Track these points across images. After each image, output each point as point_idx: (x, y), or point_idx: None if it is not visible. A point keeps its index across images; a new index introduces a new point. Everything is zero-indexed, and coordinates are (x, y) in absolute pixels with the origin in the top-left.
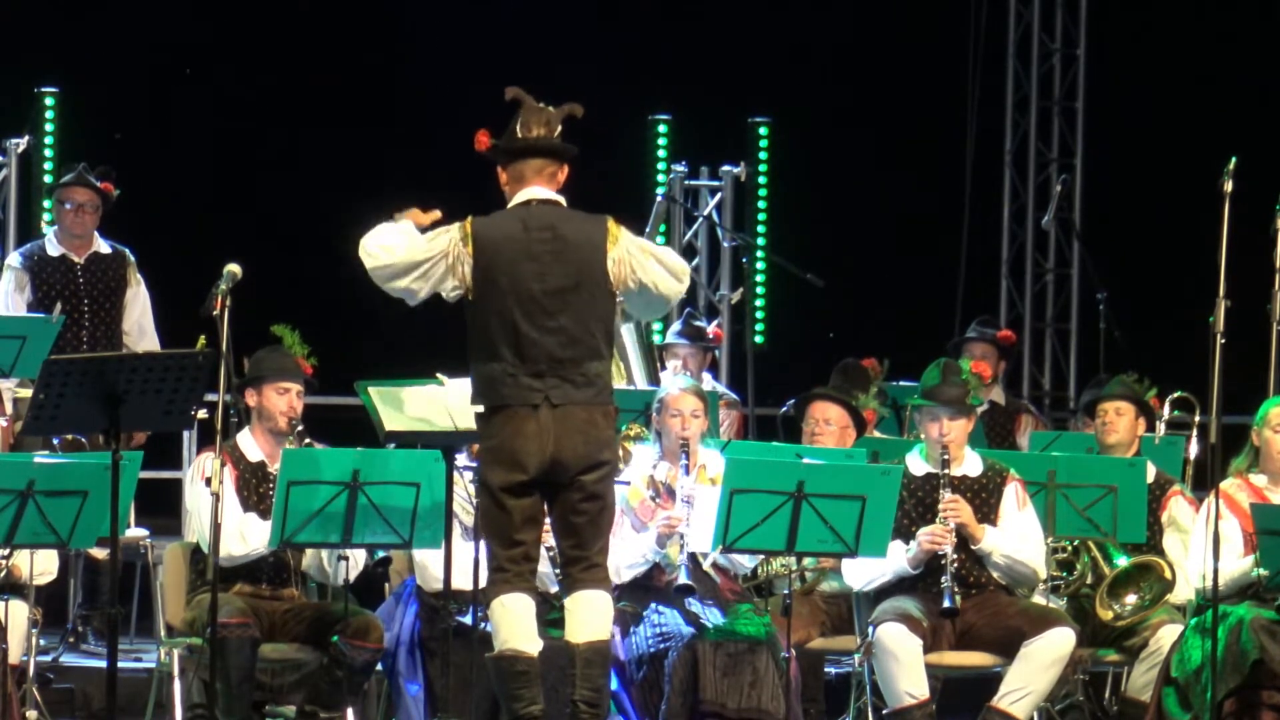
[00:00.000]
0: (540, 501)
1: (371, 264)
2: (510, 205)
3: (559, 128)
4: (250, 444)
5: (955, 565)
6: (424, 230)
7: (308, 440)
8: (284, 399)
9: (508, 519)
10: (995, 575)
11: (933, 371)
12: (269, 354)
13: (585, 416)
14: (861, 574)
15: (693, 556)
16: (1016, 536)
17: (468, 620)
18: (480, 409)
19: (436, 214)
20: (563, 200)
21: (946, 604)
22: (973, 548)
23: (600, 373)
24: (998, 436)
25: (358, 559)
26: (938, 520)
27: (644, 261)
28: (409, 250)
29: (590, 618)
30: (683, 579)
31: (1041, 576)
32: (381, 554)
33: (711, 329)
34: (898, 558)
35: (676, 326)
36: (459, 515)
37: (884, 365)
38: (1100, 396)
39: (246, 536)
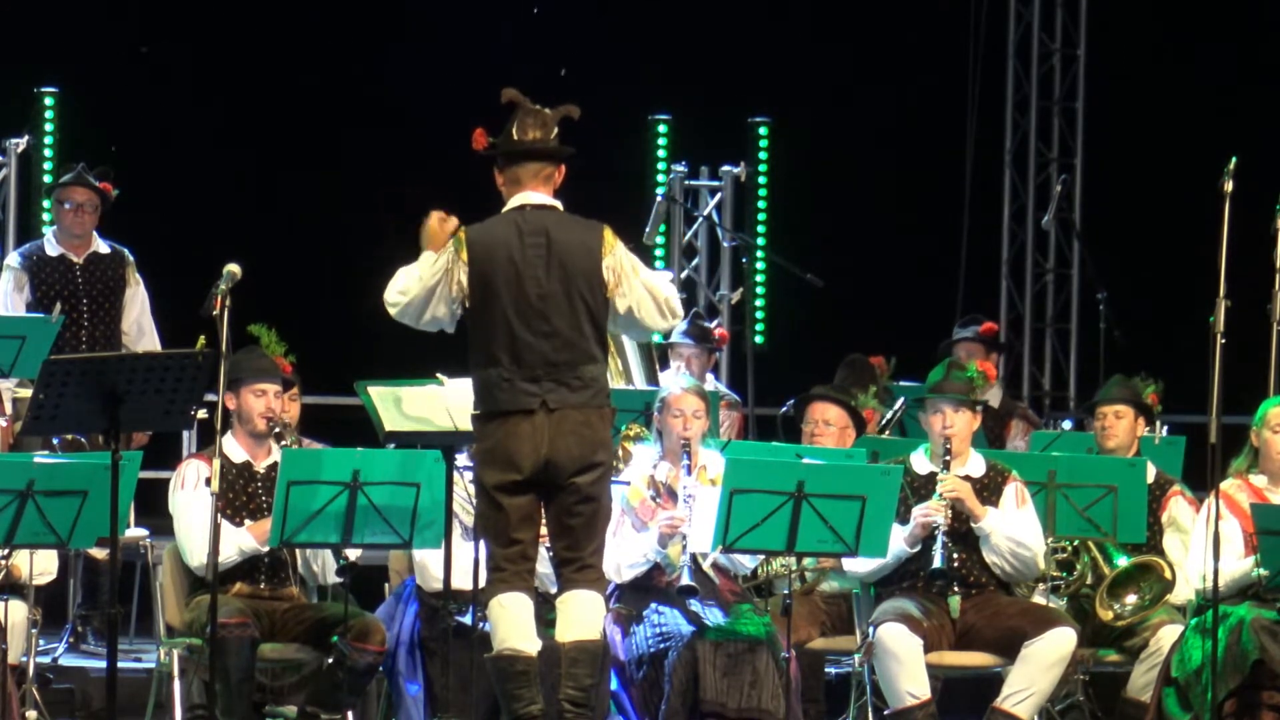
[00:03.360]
0: (536, 501)
1: (395, 312)
2: (505, 210)
3: (555, 129)
4: (234, 446)
5: (954, 560)
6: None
7: (286, 442)
8: (261, 401)
9: (504, 518)
10: (996, 560)
11: (938, 370)
12: (246, 356)
13: (580, 418)
14: (862, 561)
15: (694, 557)
16: (1018, 523)
17: (467, 620)
18: (476, 411)
19: (453, 219)
20: (558, 204)
21: (936, 564)
22: (974, 526)
23: (596, 375)
24: (989, 439)
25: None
26: (934, 497)
27: (632, 282)
28: (420, 281)
29: (579, 617)
30: (685, 580)
31: (1042, 566)
32: (344, 562)
33: (717, 331)
34: (896, 539)
35: (682, 326)
36: (459, 515)
37: (890, 363)
38: (1098, 400)
39: (220, 546)
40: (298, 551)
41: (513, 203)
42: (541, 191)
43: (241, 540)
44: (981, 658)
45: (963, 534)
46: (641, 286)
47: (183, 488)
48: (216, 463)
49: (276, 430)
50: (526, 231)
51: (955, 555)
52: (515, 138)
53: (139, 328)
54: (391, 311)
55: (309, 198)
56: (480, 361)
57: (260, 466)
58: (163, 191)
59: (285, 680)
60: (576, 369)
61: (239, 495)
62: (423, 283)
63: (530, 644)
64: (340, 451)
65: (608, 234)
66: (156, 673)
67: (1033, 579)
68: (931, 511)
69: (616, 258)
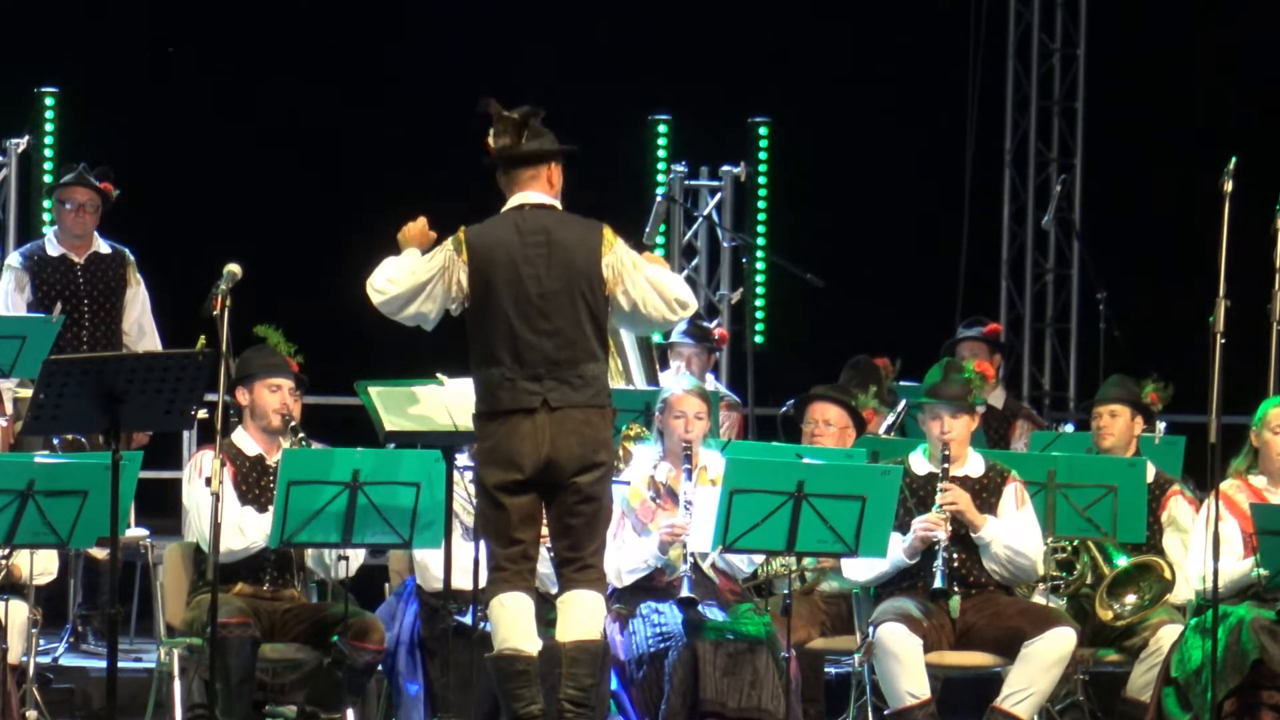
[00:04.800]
0: (538, 501)
1: (380, 299)
2: (504, 210)
3: (525, 133)
4: (247, 440)
5: (954, 561)
6: (426, 248)
7: (302, 437)
8: (276, 396)
9: (505, 518)
10: (995, 568)
11: (935, 371)
12: (256, 353)
13: (582, 418)
14: (861, 568)
15: (694, 564)
16: (1016, 530)
17: (467, 620)
18: (478, 411)
19: (432, 234)
20: (557, 204)
21: (938, 584)
22: (973, 536)
23: (597, 374)
24: (993, 441)
25: (357, 555)
26: (934, 509)
27: (635, 277)
28: (412, 274)
29: (580, 617)
30: (685, 591)
31: (1040, 572)
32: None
33: (717, 330)
34: (895, 549)
35: (682, 326)
36: (459, 515)
37: (896, 365)
38: (1095, 400)
39: (245, 530)
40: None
41: (512, 203)
42: (539, 191)
43: (269, 527)
44: (981, 658)
45: (962, 535)
46: (645, 283)
47: (199, 476)
48: (216, 462)
49: (292, 424)
50: (526, 230)
51: (955, 556)
52: (493, 147)
53: (140, 328)
54: (375, 299)
55: (309, 198)
56: (482, 361)
57: (272, 461)
58: (163, 191)
59: (285, 680)
60: (578, 367)
61: (252, 489)
62: (415, 277)
63: (531, 644)
64: (340, 451)
65: (608, 232)
66: (156, 673)
67: (1031, 582)
68: (932, 526)
69: (617, 255)
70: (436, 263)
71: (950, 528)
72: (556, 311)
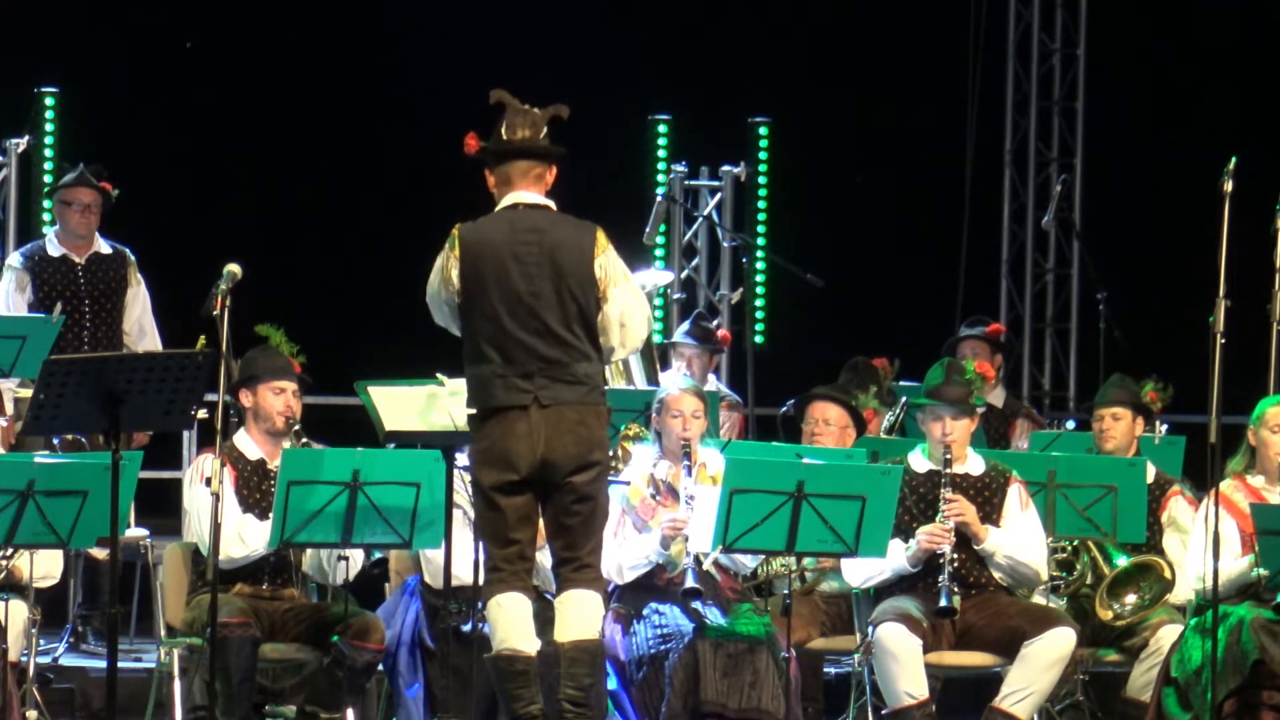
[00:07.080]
0: (534, 501)
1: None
2: (497, 209)
3: (545, 129)
4: (249, 443)
5: (955, 565)
6: None
7: (305, 440)
8: (280, 399)
9: (501, 519)
10: (997, 576)
11: (936, 371)
12: (261, 354)
13: (576, 417)
14: (861, 571)
15: (696, 556)
16: (1020, 537)
17: (467, 628)
18: (473, 411)
19: None
20: (551, 204)
21: (943, 603)
22: (976, 548)
23: (590, 373)
24: (993, 441)
25: (356, 558)
26: (938, 519)
27: (623, 287)
28: (430, 284)
29: (578, 617)
30: (690, 582)
31: (1044, 578)
32: (378, 554)
33: (720, 332)
34: (897, 556)
35: (685, 327)
36: (464, 506)
37: (894, 365)
38: (1096, 402)
39: (245, 538)
40: (309, 551)
41: (505, 201)
42: (533, 191)
43: (269, 534)
44: (981, 657)
45: (964, 537)
46: (631, 293)
47: (200, 479)
48: (216, 463)
49: (296, 428)
50: (519, 229)
51: (955, 557)
52: (504, 137)
53: (140, 328)
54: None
55: (309, 198)
56: (473, 358)
57: (274, 465)
58: (163, 191)
59: (285, 681)
60: (570, 366)
61: (253, 493)
62: (430, 285)
63: (529, 643)
64: (340, 451)
65: (600, 236)
66: (156, 673)
67: (1033, 588)
68: (937, 538)
69: (608, 258)
70: (438, 264)
71: (954, 538)
72: (546, 310)
